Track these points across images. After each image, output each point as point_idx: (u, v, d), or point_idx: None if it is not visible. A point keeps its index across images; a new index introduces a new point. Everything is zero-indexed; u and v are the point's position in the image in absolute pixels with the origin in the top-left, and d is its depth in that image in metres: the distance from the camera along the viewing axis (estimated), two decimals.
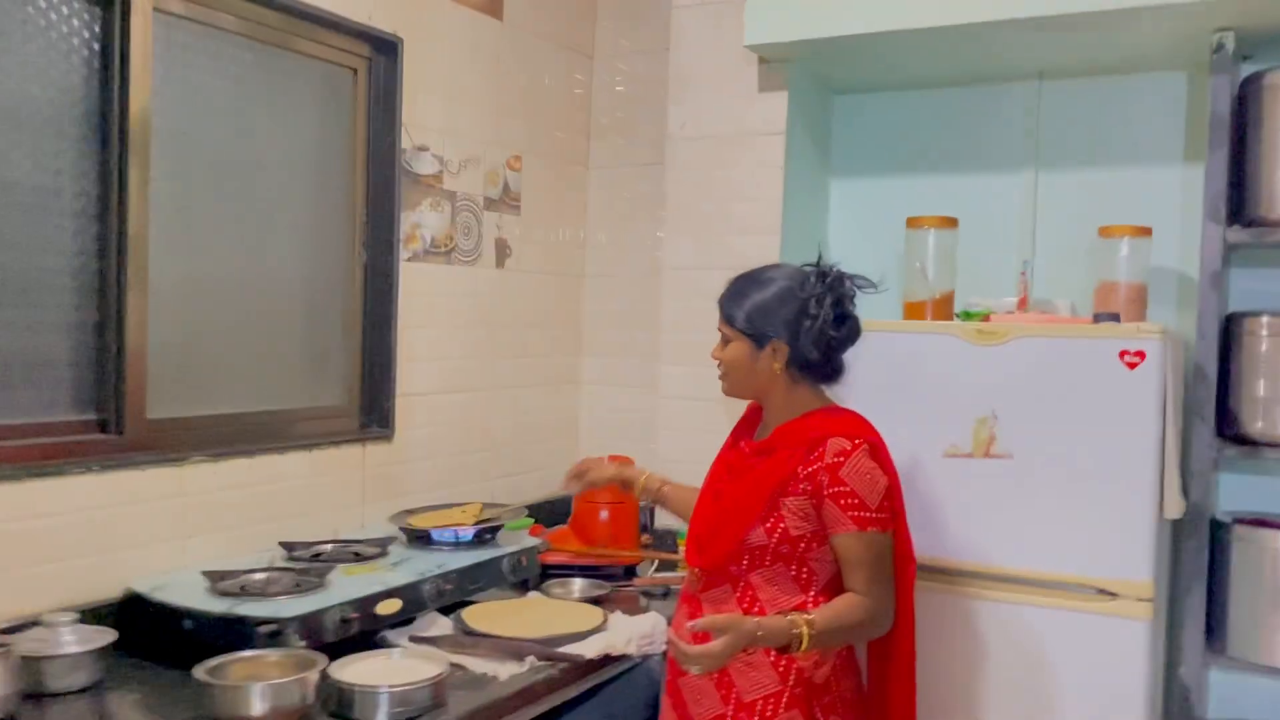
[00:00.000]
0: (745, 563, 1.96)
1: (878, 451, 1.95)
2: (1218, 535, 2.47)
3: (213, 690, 1.73)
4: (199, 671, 1.76)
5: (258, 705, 1.71)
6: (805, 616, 1.85)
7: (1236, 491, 2.67)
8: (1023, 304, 2.73)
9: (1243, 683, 2.59)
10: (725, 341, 2.04)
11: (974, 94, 3.01)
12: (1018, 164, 2.96)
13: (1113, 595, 2.19)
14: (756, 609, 1.95)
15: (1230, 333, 2.48)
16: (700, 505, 2.13)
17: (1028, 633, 2.27)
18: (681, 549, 2.90)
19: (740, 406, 2.26)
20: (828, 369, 2.02)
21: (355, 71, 2.74)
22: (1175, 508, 2.23)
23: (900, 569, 1.98)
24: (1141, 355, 2.16)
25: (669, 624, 2.20)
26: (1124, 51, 2.69)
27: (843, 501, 1.89)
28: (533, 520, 2.85)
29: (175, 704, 1.83)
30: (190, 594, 2.07)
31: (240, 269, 2.50)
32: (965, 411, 2.32)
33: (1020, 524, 2.28)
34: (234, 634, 1.95)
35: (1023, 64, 2.86)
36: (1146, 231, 2.60)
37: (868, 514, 1.90)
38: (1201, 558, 2.44)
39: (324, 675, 1.83)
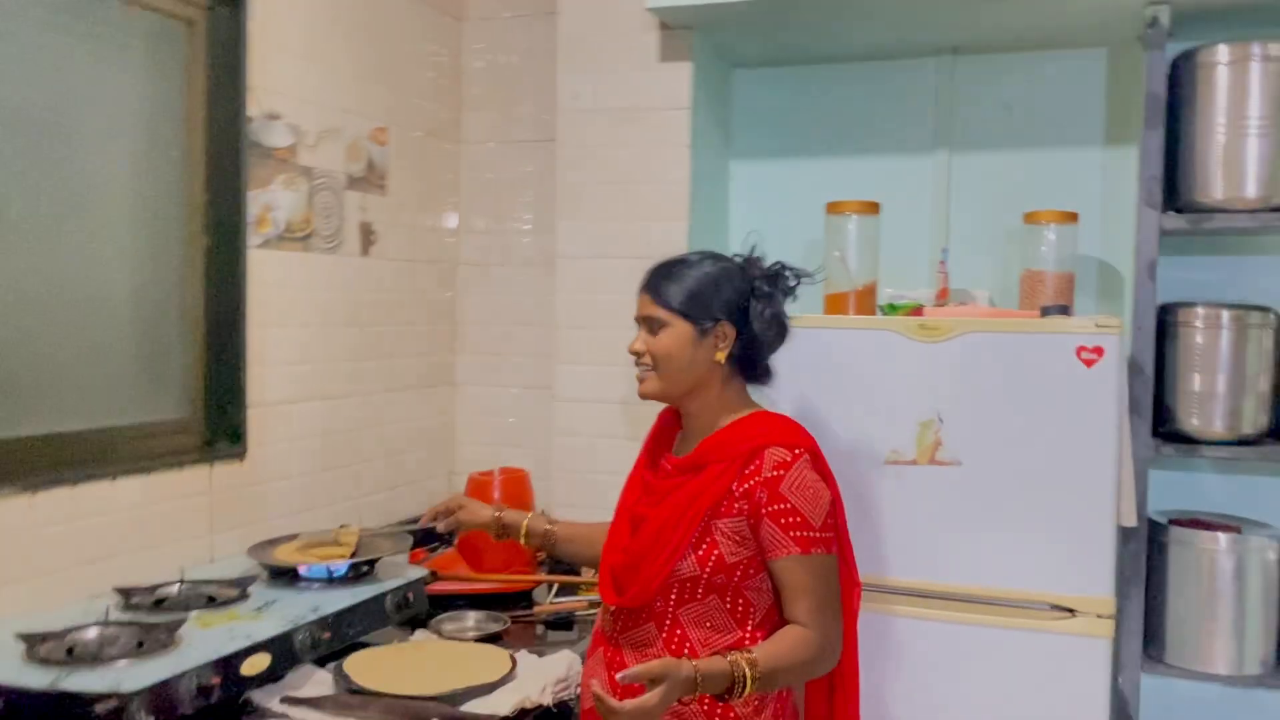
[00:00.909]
0: (673, 597, 1.71)
1: (818, 461, 1.74)
2: (1153, 537, 2.36)
3: None
4: None
5: None
6: (746, 656, 1.60)
7: (1165, 490, 2.56)
8: (942, 295, 2.55)
9: (1179, 690, 2.49)
10: (655, 328, 1.78)
11: (883, 69, 2.81)
12: (929, 145, 2.78)
13: (1071, 612, 2.03)
14: (687, 649, 1.70)
15: (1163, 325, 2.36)
16: (614, 535, 1.85)
17: (979, 656, 2.09)
18: (593, 574, 2.61)
19: (648, 412, 2.00)
20: (762, 368, 1.83)
21: (190, 24, 2.32)
22: (1130, 515, 2.09)
23: (844, 594, 1.76)
24: (1099, 351, 2.00)
25: (582, 666, 1.91)
26: (1043, 25, 2.54)
27: (784, 520, 1.66)
28: (411, 542, 2.50)
29: None
30: (1, 663, 1.66)
31: (53, 262, 2.05)
32: (907, 415, 2.11)
33: (969, 536, 2.09)
34: (62, 714, 1.56)
35: (935, 37, 2.68)
36: (1073, 217, 2.46)
37: (812, 534, 1.67)
38: (1140, 561, 2.31)
39: None
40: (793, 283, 1.82)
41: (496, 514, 2.05)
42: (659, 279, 1.80)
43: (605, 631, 1.83)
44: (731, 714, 1.68)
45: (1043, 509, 2.04)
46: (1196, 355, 2.32)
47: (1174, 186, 2.35)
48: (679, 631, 1.71)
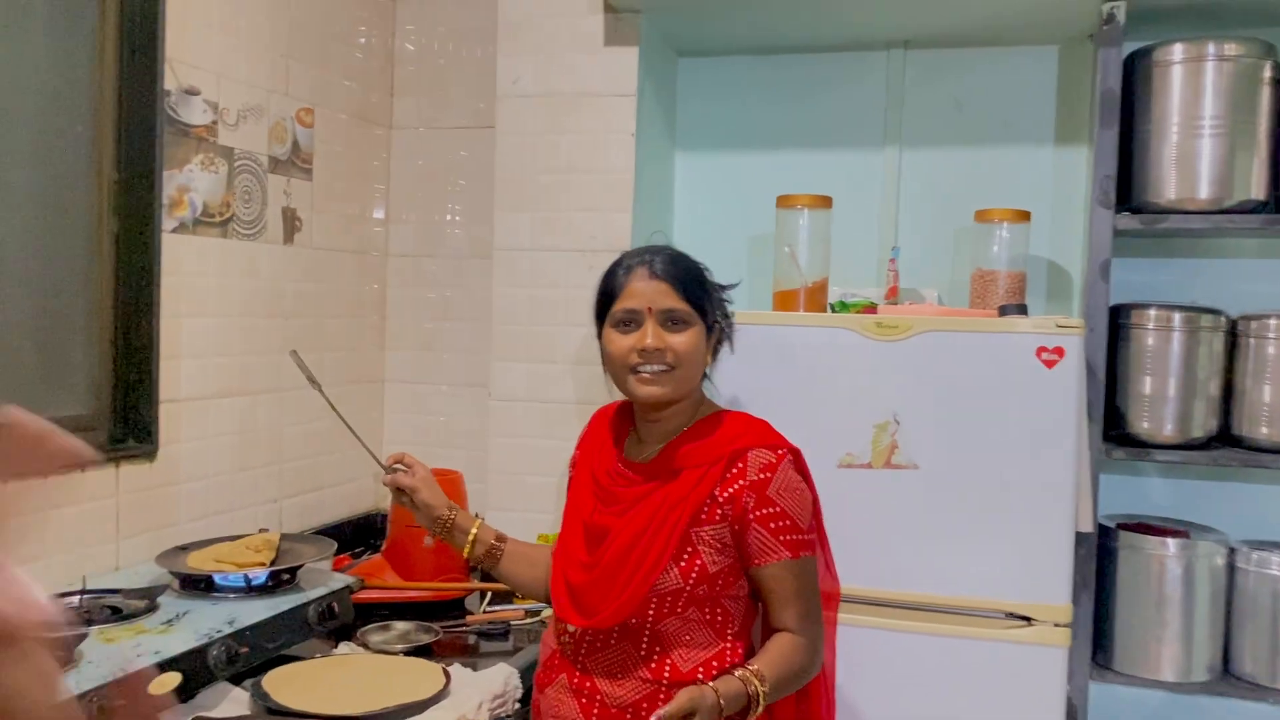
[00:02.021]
0: (651, 614, 1.58)
1: (799, 461, 1.64)
2: (1103, 543, 2.32)
3: None
4: None
5: None
6: (752, 669, 1.52)
7: (1114, 494, 2.53)
8: (892, 293, 2.49)
9: (1127, 697, 2.46)
10: (676, 325, 1.62)
11: (834, 61, 2.73)
12: (879, 140, 2.71)
13: (1028, 621, 1.97)
14: (667, 668, 1.59)
15: (1115, 326, 2.32)
16: (569, 550, 1.69)
17: (934, 666, 2.02)
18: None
19: (590, 411, 1.89)
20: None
21: None
22: (1088, 520, 2.04)
23: (825, 595, 1.68)
24: (1060, 352, 1.94)
25: (535, 692, 1.77)
26: (995, 21, 2.48)
27: (773, 525, 1.56)
28: (334, 549, 2.34)
29: None
30: None
31: None
32: (863, 416, 2.03)
33: (926, 543, 2.02)
34: None
35: (885, 29, 2.61)
36: (1025, 216, 2.41)
37: (800, 536, 1.58)
38: (1089, 567, 2.27)
39: None
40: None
41: (449, 511, 1.79)
42: (676, 268, 1.64)
43: (567, 655, 1.68)
44: None
45: (1001, 515, 1.97)
46: (1148, 357, 2.28)
47: (1127, 186, 2.32)
48: (659, 647, 1.60)
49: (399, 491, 1.80)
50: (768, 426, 1.66)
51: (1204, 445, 2.29)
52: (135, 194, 2.20)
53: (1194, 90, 2.24)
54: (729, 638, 1.61)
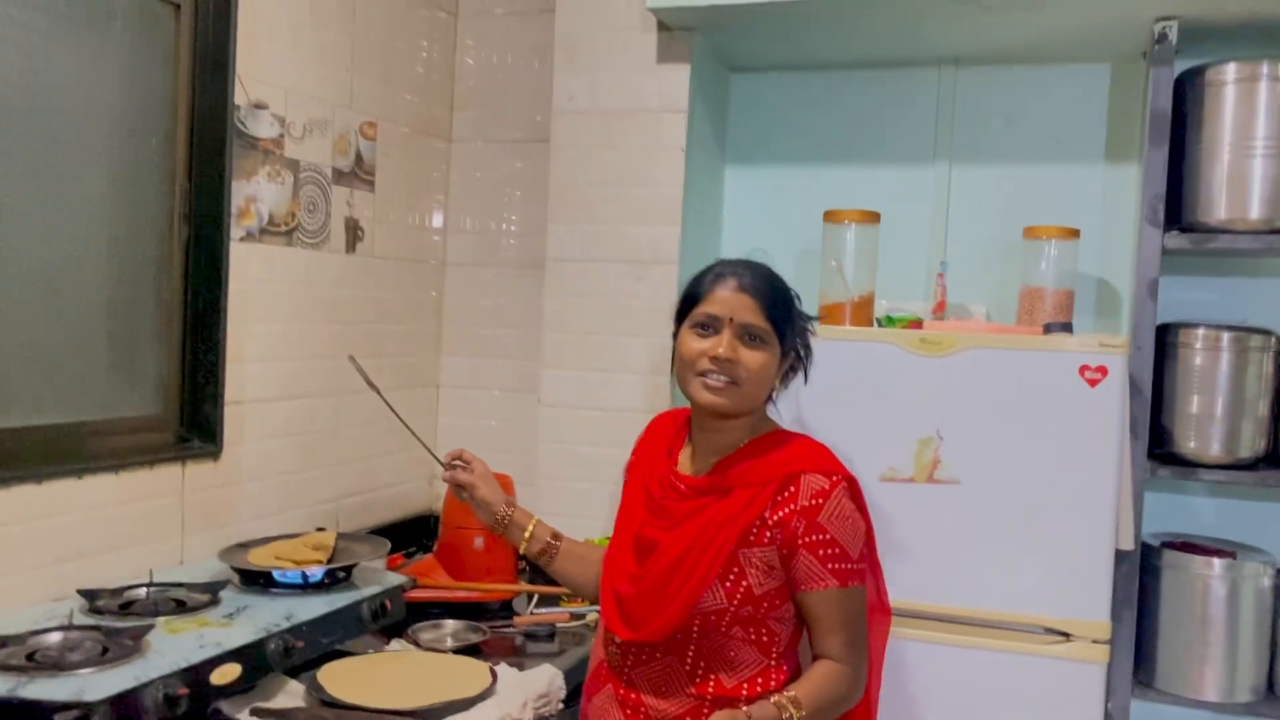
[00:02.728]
0: (695, 632, 1.60)
1: (854, 488, 1.63)
2: (1147, 560, 2.32)
3: None
4: None
5: None
6: (790, 697, 1.53)
7: (1161, 513, 2.53)
8: (940, 309, 2.51)
9: (1171, 715, 2.45)
10: (753, 341, 1.61)
11: (884, 78, 2.77)
12: (929, 156, 2.74)
13: (1066, 636, 1.98)
14: (711, 685, 1.61)
15: (1163, 345, 2.33)
16: (618, 560, 1.71)
17: (973, 679, 2.04)
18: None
19: (640, 421, 1.92)
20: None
21: (177, 8, 2.25)
22: (1128, 539, 2.04)
23: (873, 623, 1.69)
24: (1104, 371, 1.95)
25: (580, 700, 1.81)
26: (1047, 39, 2.50)
27: (822, 552, 1.56)
28: (389, 548, 2.42)
29: None
30: None
31: (25, 248, 1.97)
32: (906, 431, 2.06)
33: (966, 557, 2.04)
34: None
35: (936, 47, 2.64)
36: (1074, 233, 2.42)
37: (849, 565, 1.58)
38: (1132, 585, 2.27)
39: None
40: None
41: (508, 508, 1.83)
42: (765, 285, 1.63)
43: (613, 666, 1.71)
44: None
45: (1041, 531, 1.99)
46: (1195, 377, 2.28)
47: (1177, 205, 2.32)
48: (702, 663, 1.61)
49: (459, 488, 1.84)
50: (825, 452, 1.66)
51: (1251, 466, 2.28)
52: (205, 203, 2.30)
53: (1247, 110, 2.23)
54: (774, 657, 1.62)
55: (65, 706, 1.49)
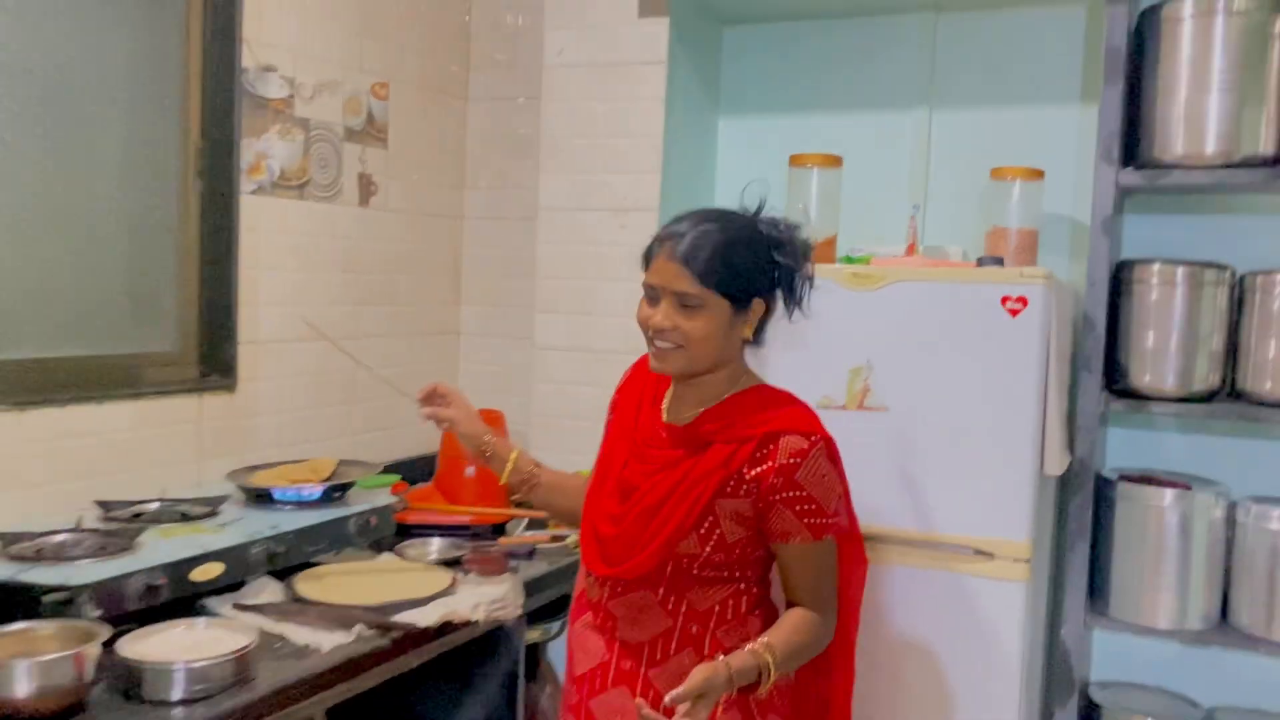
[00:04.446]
0: (669, 569, 1.68)
1: (831, 449, 1.68)
2: (1102, 492, 2.37)
3: None
4: None
5: (23, 685, 1.50)
6: (764, 643, 1.59)
7: (1125, 447, 2.57)
8: (911, 250, 2.58)
9: (1124, 643, 2.51)
10: (688, 308, 1.60)
11: (869, 25, 2.84)
12: (911, 101, 2.80)
13: (989, 555, 2.07)
14: (684, 610, 1.69)
15: (1120, 281, 2.37)
16: (600, 501, 1.77)
17: (904, 593, 2.15)
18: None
19: (627, 361, 1.97)
20: (763, 336, 1.72)
21: None
22: (1056, 464, 2.12)
23: (847, 575, 1.76)
24: (1024, 301, 2.02)
25: (567, 621, 1.91)
26: None
27: (798, 508, 1.61)
28: (397, 477, 2.63)
29: None
30: None
31: (53, 198, 2.22)
32: (839, 361, 2.17)
33: (895, 481, 2.15)
34: (19, 603, 1.72)
35: None
36: (1038, 174, 2.47)
37: (824, 520, 1.63)
38: (1086, 515, 2.34)
39: (109, 650, 1.63)
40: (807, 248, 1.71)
41: (488, 436, 1.87)
42: (694, 248, 1.59)
43: (591, 597, 1.79)
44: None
45: (966, 455, 2.08)
46: (1150, 312, 2.32)
47: (1138, 143, 2.35)
48: (676, 594, 1.68)
49: (440, 419, 1.91)
50: (806, 412, 1.69)
51: (1205, 399, 2.31)
52: (217, 159, 2.53)
53: (1203, 45, 2.25)
54: (745, 578, 1.70)
55: (55, 589, 1.74)
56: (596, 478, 1.82)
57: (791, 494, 1.61)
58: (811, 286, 1.71)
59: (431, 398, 1.93)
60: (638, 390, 1.83)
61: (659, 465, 1.70)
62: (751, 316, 1.66)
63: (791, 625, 1.65)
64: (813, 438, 1.63)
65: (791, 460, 1.60)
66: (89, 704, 1.58)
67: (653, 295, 1.64)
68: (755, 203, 1.69)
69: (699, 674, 1.50)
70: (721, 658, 1.57)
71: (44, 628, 1.65)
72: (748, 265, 1.62)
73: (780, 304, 1.70)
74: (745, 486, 1.63)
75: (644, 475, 1.71)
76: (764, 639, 1.60)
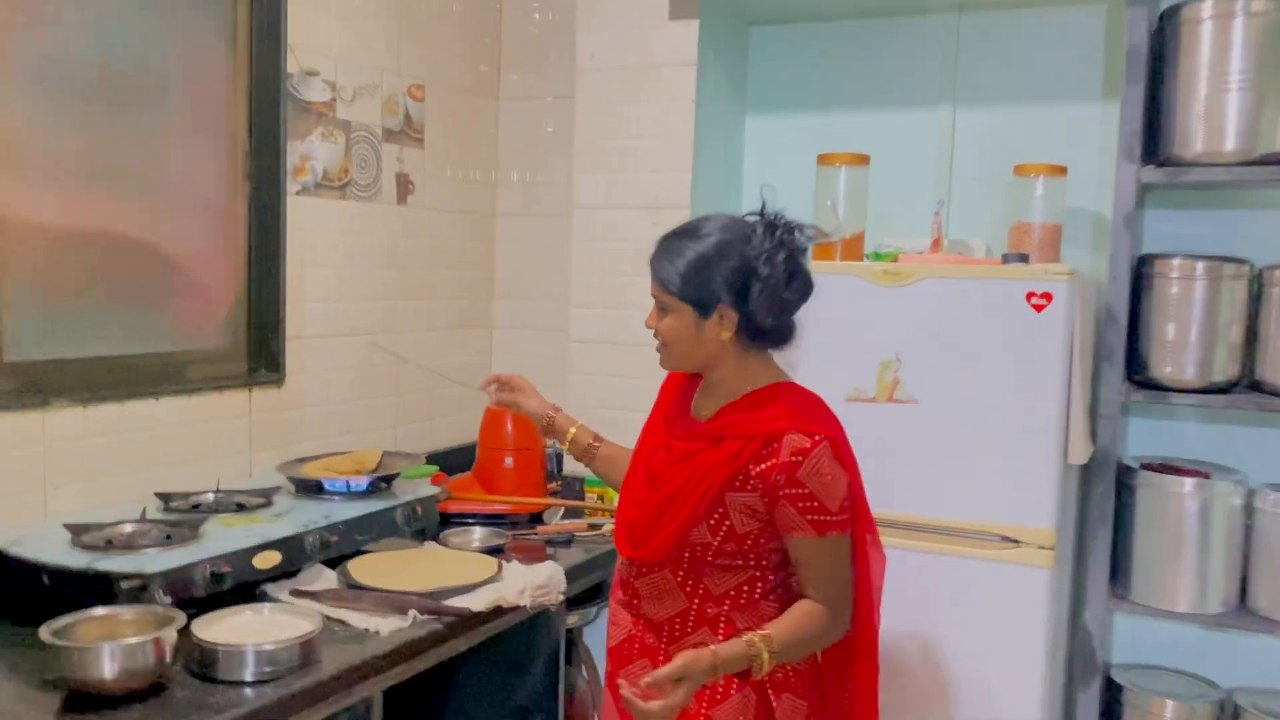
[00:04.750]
0: (687, 555, 1.78)
1: (838, 447, 1.73)
2: (1124, 480, 2.45)
3: (58, 651, 1.61)
4: (45, 632, 1.64)
5: (108, 668, 1.60)
6: (762, 634, 1.67)
7: (1147, 436, 2.65)
8: (936, 245, 2.65)
9: (1146, 627, 2.59)
10: (662, 310, 1.76)
11: (893, 26, 2.91)
12: (935, 100, 2.87)
13: (1015, 543, 2.16)
14: (701, 592, 1.79)
15: (1141, 275, 2.44)
16: (631, 486, 1.90)
17: (931, 580, 2.23)
18: (595, 499, 2.82)
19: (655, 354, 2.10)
20: (781, 333, 1.76)
21: None
22: (1080, 453, 2.19)
23: (865, 569, 1.81)
24: (1049, 297, 2.10)
25: (608, 607, 1.99)
26: None
27: (800, 505, 1.68)
28: (436, 468, 2.73)
29: (23, 665, 1.71)
30: (50, 548, 1.94)
31: (112, 203, 2.32)
32: (870, 355, 2.25)
33: (924, 470, 2.23)
34: (95, 590, 1.83)
35: None
36: (1061, 171, 2.54)
37: (827, 517, 1.70)
38: (1108, 503, 2.41)
39: (186, 634, 1.73)
40: (805, 243, 1.75)
41: (551, 412, 2.07)
42: (660, 259, 1.76)
43: (623, 574, 1.91)
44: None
45: (993, 445, 2.16)
46: (1171, 305, 2.39)
47: (1158, 140, 2.41)
48: (695, 578, 1.78)
49: (508, 404, 2.12)
50: (813, 408, 1.75)
51: (1224, 389, 2.38)
52: (264, 162, 2.62)
53: (1222, 45, 2.31)
54: (760, 566, 1.77)
55: (130, 576, 1.85)
56: (632, 466, 1.92)
57: (794, 491, 1.67)
58: (798, 300, 1.74)
59: (497, 385, 2.12)
60: (680, 383, 1.93)
61: (679, 456, 1.79)
62: (724, 321, 1.72)
63: (796, 616, 1.71)
64: (815, 437, 1.68)
65: (793, 458, 1.66)
66: (168, 684, 1.68)
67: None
68: (760, 206, 1.75)
69: (680, 659, 1.58)
70: (711, 645, 1.64)
71: (124, 612, 1.75)
72: (704, 270, 1.70)
73: (760, 317, 1.71)
74: (752, 482, 1.69)
75: (666, 464, 1.80)
76: (765, 629, 1.67)
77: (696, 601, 1.78)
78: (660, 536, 1.77)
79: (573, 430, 2.05)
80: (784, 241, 1.70)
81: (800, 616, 1.71)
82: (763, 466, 1.68)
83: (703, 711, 1.73)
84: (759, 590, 1.78)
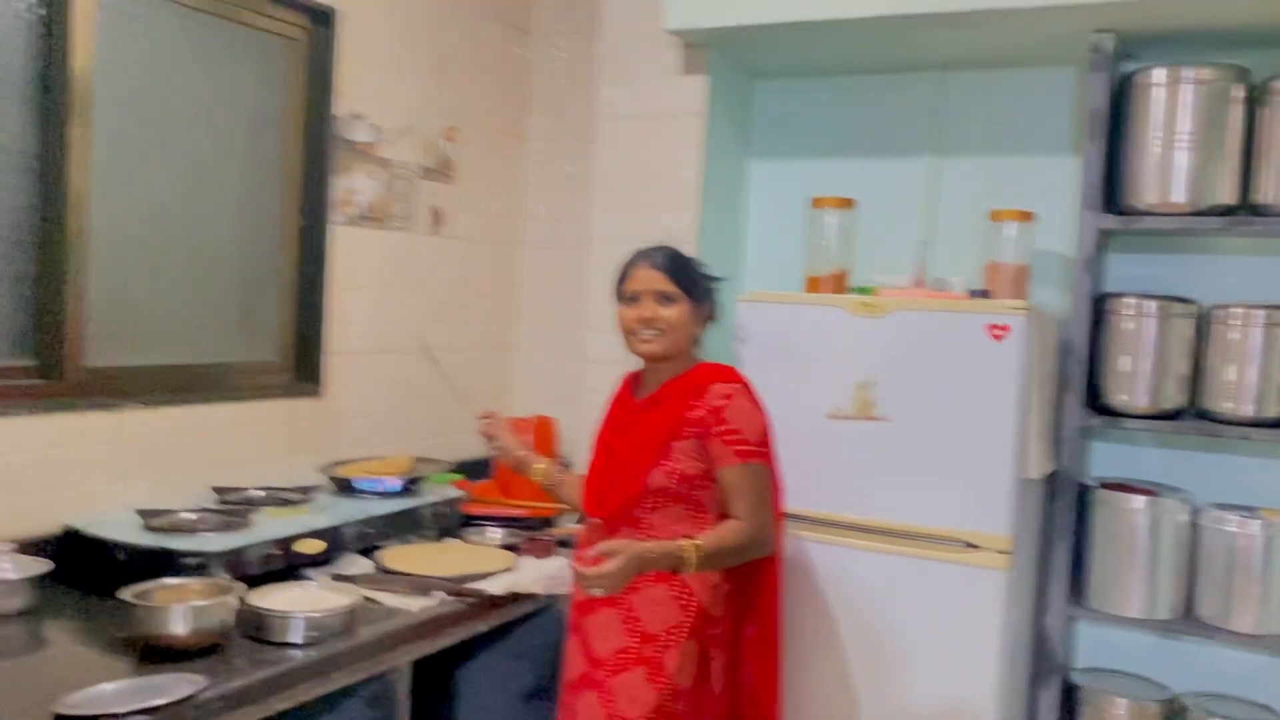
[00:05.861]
0: (649, 504, 2.12)
1: (750, 392, 2.16)
2: (1085, 497, 2.70)
3: (138, 611, 1.88)
4: (126, 593, 1.92)
5: (180, 625, 1.87)
6: (693, 541, 2.04)
7: (1109, 459, 2.90)
8: (919, 282, 2.92)
9: (1105, 635, 2.82)
10: (667, 302, 2.15)
11: (884, 82, 3.19)
12: (922, 150, 3.15)
13: (975, 547, 2.40)
14: (650, 538, 2.11)
15: (1101, 312, 2.69)
16: (594, 463, 2.29)
17: (899, 580, 2.49)
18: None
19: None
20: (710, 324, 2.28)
21: (291, 40, 2.87)
22: (1036, 468, 2.45)
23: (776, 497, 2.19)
24: (1006, 329, 2.36)
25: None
26: (1019, 47, 2.88)
27: (728, 438, 2.08)
28: (460, 475, 3.01)
29: (104, 625, 1.99)
30: (124, 529, 2.23)
31: (180, 228, 2.63)
32: (848, 377, 2.52)
33: (895, 480, 2.49)
34: (163, 566, 2.11)
35: (929, 55, 3.04)
36: (1030, 216, 2.80)
37: (749, 447, 2.09)
38: (1068, 517, 2.66)
39: (243, 602, 2.00)
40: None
41: (521, 453, 2.45)
42: (670, 262, 2.18)
43: (588, 540, 2.23)
44: (695, 600, 2.10)
45: (956, 459, 2.42)
46: (1126, 340, 2.65)
47: (1118, 191, 2.68)
48: (649, 532, 2.12)
49: (488, 438, 2.48)
50: (729, 369, 2.20)
51: (1173, 416, 2.63)
52: (313, 196, 2.93)
53: (1172, 109, 2.58)
54: (700, 511, 2.13)
55: (193, 554, 2.13)
56: (592, 452, 2.32)
57: (721, 427, 2.09)
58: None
59: (490, 418, 2.49)
60: (617, 397, 2.34)
61: (629, 426, 2.21)
62: (701, 316, 2.21)
63: (723, 530, 2.09)
64: (734, 384, 2.14)
65: (720, 401, 2.10)
66: (228, 644, 1.95)
67: (633, 299, 2.19)
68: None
69: (619, 540, 2.01)
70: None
71: (192, 583, 2.03)
72: (699, 277, 2.22)
73: (716, 316, 2.27)
74: (689, 427, 2.10)
75: (619, 436, 2.22)
76: (696, 538, 2.06)
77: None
78: (623, 488, 2.15)
79: (543, 464, 2.43)
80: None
81: (725, 529, 2.11)
82: (697, 413, 2.10)
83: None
84: (699, 532, 2.10)
